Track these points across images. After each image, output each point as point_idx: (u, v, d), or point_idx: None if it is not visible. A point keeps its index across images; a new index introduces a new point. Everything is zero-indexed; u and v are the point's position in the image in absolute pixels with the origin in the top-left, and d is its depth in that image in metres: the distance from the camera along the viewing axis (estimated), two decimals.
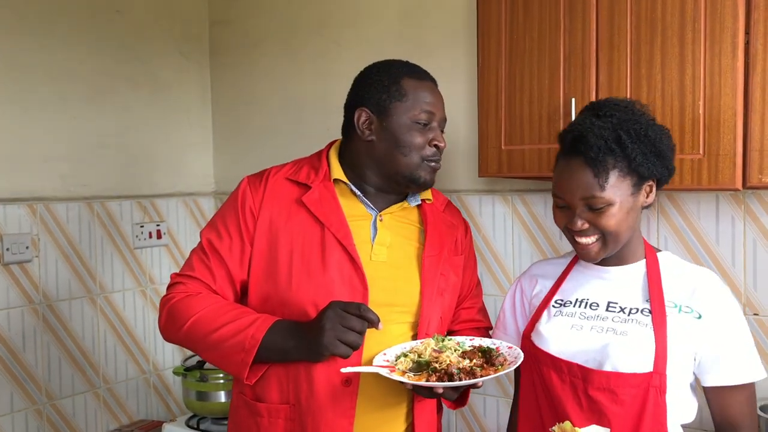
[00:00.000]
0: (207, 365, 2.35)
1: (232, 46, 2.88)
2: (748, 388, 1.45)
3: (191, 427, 2.37)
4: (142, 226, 2.70)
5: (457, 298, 1.70)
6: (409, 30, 2.40)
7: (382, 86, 1.59)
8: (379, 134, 1.58)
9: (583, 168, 1.39)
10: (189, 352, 2.82)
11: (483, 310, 1.78)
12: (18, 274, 2.29)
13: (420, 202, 1.67)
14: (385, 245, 1.59)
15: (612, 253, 1.46)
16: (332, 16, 2.59)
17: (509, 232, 2.25)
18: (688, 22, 1.62)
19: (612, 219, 1.39)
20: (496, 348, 1.48)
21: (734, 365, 1.42)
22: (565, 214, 1.45)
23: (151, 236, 2.73)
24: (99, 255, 2.54)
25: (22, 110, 2.30)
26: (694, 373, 1.45)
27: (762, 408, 1.81)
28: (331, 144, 1.71)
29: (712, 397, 1.46)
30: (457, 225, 1.72)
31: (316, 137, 2.61)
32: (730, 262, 1.92)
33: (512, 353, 1.44)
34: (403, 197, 1.66)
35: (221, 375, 2.31)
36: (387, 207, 1.63)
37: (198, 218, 2.94)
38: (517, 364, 1.39)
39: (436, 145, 1.58)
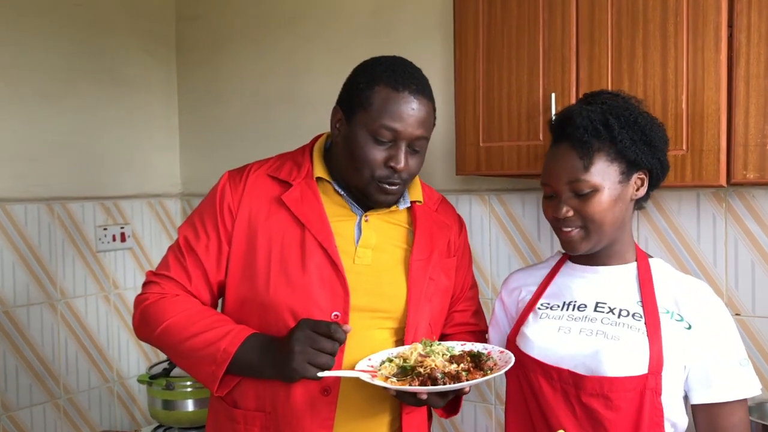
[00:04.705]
0: (173, 373, 2.25)
1: (199, 42, 2.80)
2: (740, 409, 1.35)
3: None
4: (105, 229, 2.59)
5: (449, 301, 1.62)
6: (382, 25, 2.34)
7: (357, 88, 1.46)
8: (343, 139, 1.48)
9: (569, 151, 1.37)
10: (154, 359, 2.73)
11: (478, 313, 1.71)
12: None
13: (410, 204, 1.58)
14: (370, 247, 1.51)
15: (596, 246, 1.40)
16: (302, 11, 2.52)
17: (486, 232, 2.20)
18: (670, 16, 1.58)
19: (598, 206, 1.35)
20: (487, 353, 1.41)
21: (723, 381, 1.33)
22: (552, 203, 1.41)
23: (114, 239, 2.63)
24: (59, 259, 2.43)
25: None
26: (684, 389, 1.37)
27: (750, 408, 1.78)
28: (317, 138, 1.62)
29: (701, 417, 1.37)
30: (450, 225, 1.63)
31: (285, 136, 2.57)
32: (712, 262, 1.88)
33: (503, 357, 1.38)
34: None
35: (189, 383, 2.22)
36: (373, 207, 1.53)
37: (164, 220, 2.84)
38: (507, 368, 1.32)
39: (392, 167, 1.44)
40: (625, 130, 1.35)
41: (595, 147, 1.35)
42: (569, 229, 1.38)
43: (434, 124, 1.51)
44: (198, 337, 1.41)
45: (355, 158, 1.44)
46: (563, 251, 1.58)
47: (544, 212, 1.44)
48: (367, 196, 1.48)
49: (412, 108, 1.42)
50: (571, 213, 1.37)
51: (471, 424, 2.24)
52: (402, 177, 1.45)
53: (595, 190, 1.35)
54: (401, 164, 1.43)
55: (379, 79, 1.44)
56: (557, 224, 1.41)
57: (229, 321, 1.46)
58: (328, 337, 1.32)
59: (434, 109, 1.49)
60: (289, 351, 1.32)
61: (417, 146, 1.46)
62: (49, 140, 2.40)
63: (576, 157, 1.35)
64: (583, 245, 1.39)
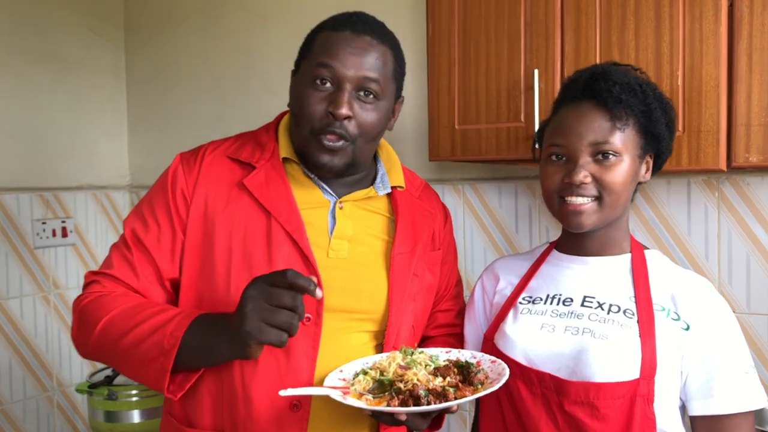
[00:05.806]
0: (117, 381, 2.04)
1: (149, 21, 2.60)
2: (745, 423, 1.20)
3: None
4: (44, 223, 2.37)
5: (432, 300, 1.44)
6: (348, 1, 2.16)
7: (305, 43, 1.34)
8: (290, 97, 1.34)
9: (598, 110, 1.22)
10: (98, 365, 2.51)
11: (463, 313, 1.53)
12: None
13: (390, 190, 1.40)
14: (346, 239, 1.31)
15: (603, 223, 1.24)
16: None
17: (460, 223, 2.04)
18: None
19: (620, 175, 1.21)
20: (477, 362, 1.23)
21: (727, 390, 1.19)
22: (561, 166, 1.24)
23: (55, 234, 2.41)
24: None
25: None
26: (681, 398, 1.23)
27: None
28: (282, 115, 1.43)
29: (701, 431, 1.22)
30: (434, 213, 1.45)
31: (241, 121, 2.39)
32: (704, 255, 1.75)
33: (496, 368, 1.20)
34: (368, 183, 1.38)
35: (134, 392, 2.01)
36: (349, 193, 1.35)
37: (111, 214, 2.62)
38: (501, 383, 1.14)
39: (331, 113, 1.24)
40: (653, 100, 1.23)
41: (628, 110, 1.21)
42: (582, 199, 1.22)
43: (397, 72, 1.32)
44: (140, 326, 1.19)
45: (296, 113, 1.28)
46: (550, 241, 1.43)
47: (544, 180, 1.26)
48: (308, 157, 1.30)
49: (354, 46, 1.26)
50: (588, 179, 1.21)
51: None
52: (347, 129, 1.25)
53: (619, 157, 1.21)
54: (342, 108, 1.23)
55: (325, 26, 1.31)
56: (567, 192, 1.23)
57: (178, 309, 1.25)
58: (288, 288, 1.07)
59: (394, 54, 1.31)
60: (241, 314, 1.08)
61: (369, 92, 1.26)
62: None
63: (607, 116, 1.21)
64: (593, 219, 1.23)
